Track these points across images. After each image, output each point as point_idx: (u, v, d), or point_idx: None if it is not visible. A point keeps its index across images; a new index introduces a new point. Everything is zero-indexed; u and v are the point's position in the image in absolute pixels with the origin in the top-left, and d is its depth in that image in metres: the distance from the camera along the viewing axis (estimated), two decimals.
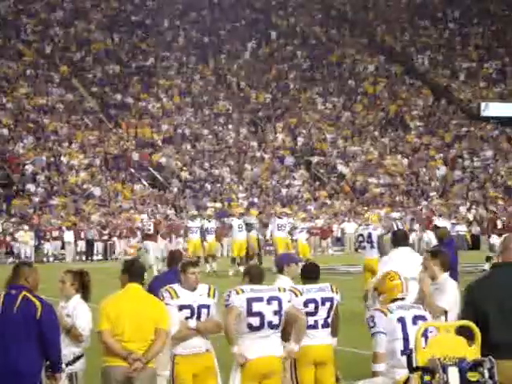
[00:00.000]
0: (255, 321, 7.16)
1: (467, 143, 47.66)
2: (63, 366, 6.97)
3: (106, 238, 34.59)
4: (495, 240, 25.82)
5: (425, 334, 5.51)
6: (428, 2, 60.78)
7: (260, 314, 7.16)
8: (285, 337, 7.40)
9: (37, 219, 34.52)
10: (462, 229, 37.35)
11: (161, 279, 8.82)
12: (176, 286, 7.35)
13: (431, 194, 42.36)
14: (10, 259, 31.89)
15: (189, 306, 7.25)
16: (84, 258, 34.28)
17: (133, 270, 7.17)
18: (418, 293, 7.69)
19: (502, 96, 52.08)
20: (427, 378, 5.13)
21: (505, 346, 5.55)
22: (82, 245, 34.29)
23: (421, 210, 39.16)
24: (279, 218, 25.15)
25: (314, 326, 7.66)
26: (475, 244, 37.24)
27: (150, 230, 25.32)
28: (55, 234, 33.78)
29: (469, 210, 40.34)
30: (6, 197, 36.68)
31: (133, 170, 40.80)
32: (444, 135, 48.34)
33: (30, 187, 37.36)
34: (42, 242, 33.75)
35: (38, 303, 6.57)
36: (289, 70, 51.87)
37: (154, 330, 6.87)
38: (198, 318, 7.26)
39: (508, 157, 46.77)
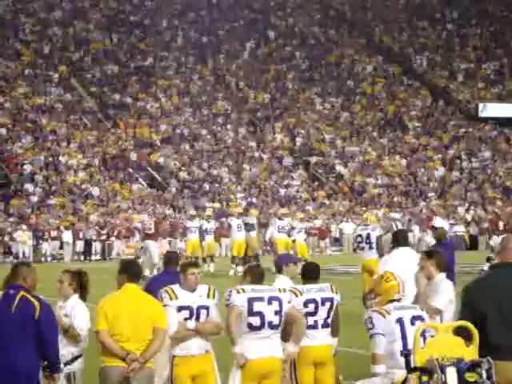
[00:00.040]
0: (255, 320, 7.16)
1: (465, 144, 47.69)
2: (61, 365, 6.97)
3: (104, 237, 34.59)
4: (497, 241, 25.83)
5: (423, 335, 5.52)
6: (426, 2, 60.82)
7: (260, 314, 7.16)
8: (285, 337, 7.40)
9: (35, 219, 34.51)
10: (460, 229, 37.41)
11: (157, 280, 8.83)
12: (175, 287, 7.34)
13: (429, 194, 42.38)
14: (10, 258, 31.87)
15: (188, 307, 7.23)
16: (82, 257, 34.27)
17: (131, 270, 7.17)
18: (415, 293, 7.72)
19: (500, 97, 52.11)
20: (425, 378, 5.14)
21: (504, 346, 5.55)
22: (80, 245, 34.29)
23: (421, 210, 39.16)
24: (280, 219, 25.14)
25: (314, 327, 7.66)
26: (473, 244, 37.30)
27: (150, 229, 25.33)
28: (53, 233, 33.77)
29: (467, 210, 40.37)
30: (4, 196, 36.66)
31: (131, 170, 40.80)
32: (442, 136, 48.36)
33: (28, 187, 37.35)
34: (40, 241, 33.74)
35: (36, 303, 6.57)
36: (287, 70, 51.89)
37: (152, 330, 6.87)
38: (197, 319, 7.25)
39: (506, 157, 46.80)
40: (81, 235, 34.18)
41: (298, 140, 45.96)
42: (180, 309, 7.23)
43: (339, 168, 44.10)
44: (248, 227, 24.45)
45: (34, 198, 36.58)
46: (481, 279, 5.96)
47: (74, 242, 34.08)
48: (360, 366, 7.93)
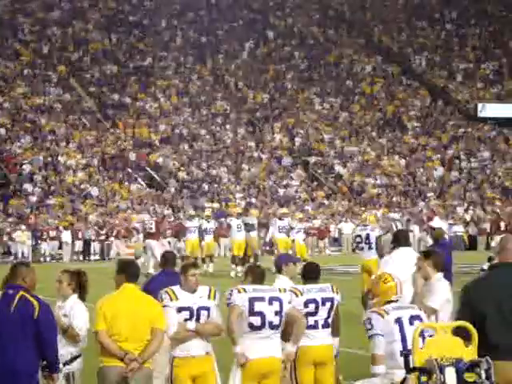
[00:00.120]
0: (256, 320, 7.17)
1: (464, 144, 47.70)
2: (60, 365, 6.97)
3: (103, 238, 34.58)
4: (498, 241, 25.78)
5: (422, 335, 5.52)
6: (425, 2, 60.83)
7: (261, 314, 7.17)
8: (285, 337, 7.42)
9: (34, 219, 34.51)
10: (459, 229, 37.42)
11: (155, 280, 8.84)
12: (176, 288, 7.33)
13: (428, 194, 42.38)
14: (9, 258, 31.85)
15: (188, 308, 7.22)
16: (81, 257, 34.26)
17: (129, 271, 7.17)
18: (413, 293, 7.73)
19: (499, 97, 52.11)
20: (424, 378, 5.14)
21: (503, 346, 5.55)
22: (79, 245, 34.29)
23: (421, 210, 39.14)
24: (280, 219, 25.15)
25: (315, 326, 7.66)
26: (472, 244, 37.32)
27: (151, 228, 25.36)
28: (52, 233, 33.76)
29: (466, 210, 40.39)
30: (3, 196, 36.65)
31: (130, 170, 40.79)
32: (441, 136, 48.36)
33: (28, 187, 37.35)
34: (39, 241, 33.73)
35: (35, 303, 6.57)
36: (286, 70, 51.88)
37: (150, 330, 6.87)
38: (198, 320, 7.24)
39: (505, 157, 46.81)
40: (80, 235, 34.18)
41: (297, 140, 45.96)
42: (180, 310, 7.22)
43: (338, 168, 44.11)
44: (248, 227, 24.45)
45: (33, 198, 36.58)
46: (480, 279, 5.96)
47: (73, 241, 34.07)
48: (360, 366, 7.93)
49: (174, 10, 55.20)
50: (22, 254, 32.83)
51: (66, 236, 33.83)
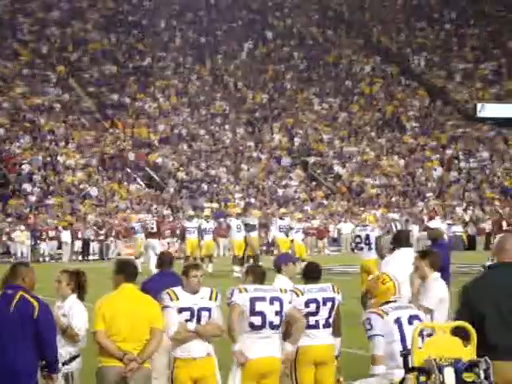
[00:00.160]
0: (257, 320, 7.18)
1: (463, 144, 47.71)
2: (59, 365, 6.97)
3: (102, 237, 34.58)
4: None
5: (421, 334, 5.52)
6: (424, 2, 60.85)
7: (262, 314, 7.18)
8: (285, 338, 7.43)
9: (33, 219, 34.50)
10: (458, 229, 37.42)
11: (152, 280, 8.84)
12: (177, 289, 7.33)
13: (427, 194, 42.39)
14: (8, 258, 31.83)
15: (189, 309, 7.22)
16: (80, 257, 34.25)
17: (128, 271, 7.17)
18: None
19: (498, 97, 52.13)
20: (423, 378, 5.14)
21: (502, 346, 5.55)
22: (78, 245, 34.28)
23: (421, 210, 39.12)
24: (281, 219, 25.17)
25: (315, 326, 7.67)
26: (471, 244, 37.32)
27: (153, 228, 25.36)
28: (51, 233, 33.75)
29: (465, 210, 40.40)
30: (2, 196, 36.64)
31: (129, 170, 40.80)
32: (440, 136, 48.38)
33: (27, 187, 37.34)
34: (39, 241, 33.71)
35: (35, 303, 6.57)
36: (285, 70, 51.90)
37: (149, 330, 6.87)
38: (198, 320, 7.24)
39: (504, 158, 46.82)
40: (79, 235, 34.17)
41: (296, 140, 45.97)
42: (181, 310, 7.22)
43: (337, 168, 44.12)
44: (248, 228, 24.41)
45: (32, 198, 36.58)
46: (479, 279, 5.96)
47: (72, 241, 34.06)
48: (360, 366, 7.93)
49: (173, 11, 55.22)
50: (21, 253, 32.82)
51: (65, 236, 33.82)
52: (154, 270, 21.43)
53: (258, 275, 7.42)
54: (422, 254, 8.14)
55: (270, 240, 27.87)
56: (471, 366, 5.14)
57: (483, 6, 60.37)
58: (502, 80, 53.84)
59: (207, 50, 52.22)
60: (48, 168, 39.10)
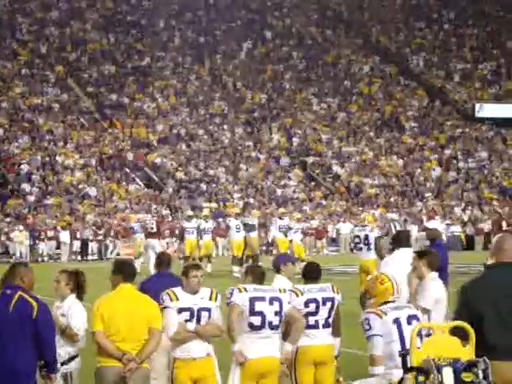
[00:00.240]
0: (256, 320, 7.18)
1: (462, 144, 47.73)
2: (58, 365, 6.97)
3: (101, 238, 34.58)
4: None
5: (420, 334, 5.53)
6: (423, 3, 60.86)
7: (261, 314, 7.19)
8: (285, 338, 7.43)
9: (32, 219, 34.49)
10: (456, 229, 37.44)
11: (150, 281, 8.84)
12: (177, 289, 7.33)
13: (426, 194, 42.40)
14: (7, 258, 31.83)
15: (188, 309, 7.22)
16: (79, 257, 34.25)
17: (126, 271, 7.17)
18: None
19: (496, 97, 52.15)
20: (421, 378, 5.15)
21: (501, 347, 5.55)
22: (77, 245, 34.28)
23: (420, 210, 39.12)
24: (280, 219, 25.17)
25: (315, 326, 7.67)
26: (470, 244, 37.33)
27: (153, 228, 25.37)
28: (50, 233, 33.76)
29: (464, 210, 40.41)
30: (0, 196, 36.64)
31: (128, 170, 40.79)
32: (439, 136, 48.39)
33: (25, 187, 37.33)
34: (37, 241, 33.72)
35: (34, 303, 6.57)
36: (284, 70, 51.89)
37: (148, 330, 6.87)
38: (198, 321, 7.23)
39: (503, 158, 46.85)
40: (78, 235, 34.18)
41: (295, 140, 45.97)
42: (181, 310, 7.22)
43: (336, 168, 44.12)
44: (248, 228, 24.41)
45: (31, 198, 36.57)
46: (477, 279, 5.96)
47: (70, 241, 34.07)
48: (360, 366, 7.93)
49: (172, 11, 55.20)
50: (20, 253, 32.83)
51: (64, 236, 33.82)
52: (153, 271, 21.47)
53: (257, 275, 7.42)
54: (420, 254, 8.16)
55: (270, 240, 27.86)
56: (470, 366, 5.14)
57: (482, 6, 60.39)
58: (501, 80, 53.87)
59: (206, 49, 52.21)
60: (47, 168, 39.09)
